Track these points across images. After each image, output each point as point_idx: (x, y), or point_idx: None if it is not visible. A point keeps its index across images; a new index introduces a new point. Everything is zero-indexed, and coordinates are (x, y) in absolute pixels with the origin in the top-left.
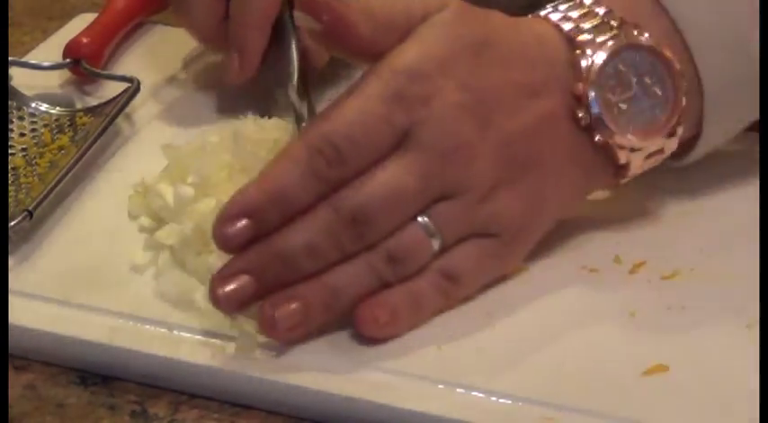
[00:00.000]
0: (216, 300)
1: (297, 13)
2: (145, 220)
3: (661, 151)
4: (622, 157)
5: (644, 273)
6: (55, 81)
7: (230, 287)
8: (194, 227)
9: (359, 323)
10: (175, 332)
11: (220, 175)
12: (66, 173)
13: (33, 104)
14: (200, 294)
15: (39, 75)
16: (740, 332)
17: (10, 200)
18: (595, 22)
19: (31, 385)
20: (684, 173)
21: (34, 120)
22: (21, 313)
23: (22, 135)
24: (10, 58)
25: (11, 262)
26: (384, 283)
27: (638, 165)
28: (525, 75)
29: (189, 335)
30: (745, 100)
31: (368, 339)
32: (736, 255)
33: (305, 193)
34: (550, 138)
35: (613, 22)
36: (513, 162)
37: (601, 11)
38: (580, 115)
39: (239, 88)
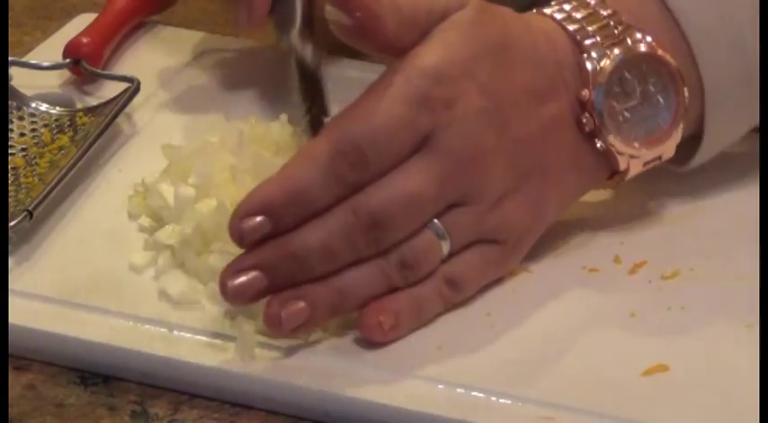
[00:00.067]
0: (225, 291)
1: (328, 8)
2: (145, 220)
3: (659, 158)
4: (622, 163)
5: (644, 273)
6: (55, 81)
7: (240, 280)
8: (195, 227)
9: (364, 328)
10: (175, 332)
11: (223, 176)
12: (66, 173)
13: (33, 104)
14: (201, 294)
15: (39, 75)
16: (740, 332)
17: (10, 200)
18: (600, 25)
19: (31, 385)
20: (684, 173)
21: (34, 120)
22: (21, 313)
23: (22, 135)
24: (10, 58)
25: (11, 262)
26: (391, 286)
27: (636, 170)
28: (536, 78)
29: (189, 335)
30: (746, 101)
31: (371, 343)
32: (736, 255)
33: (325, 195)
34: (555, 143)
35: (618, 26)
36: (520, 169)
37: (605, 12)
38: (584, 121)
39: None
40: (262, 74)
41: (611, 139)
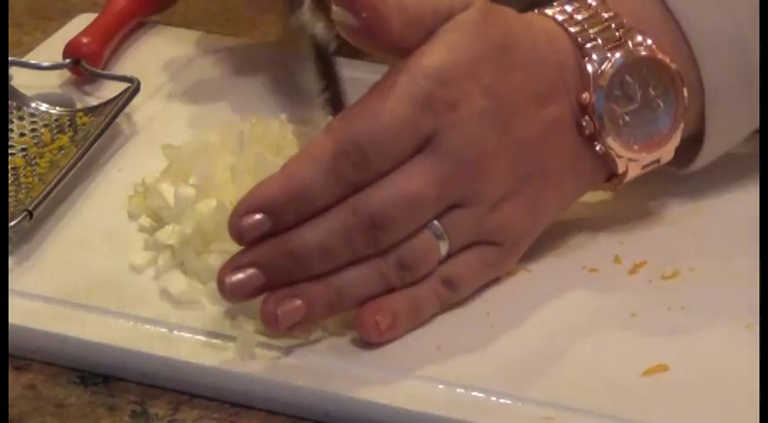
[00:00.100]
0: (222, 288)
1: (334, 8)
2: (145, 220)
3: (657, 161)
4: (621, 166)
5: (644, 273)
6: (55, 81)
7: (238, 277)
8: (195, 227)
9: (361, 328)
10: (175, 332)
11: (223, 176)
12: (66, 173)
13: (33, 104)
14: (201, 294)
15: (39, 75)
16: (740, 332)
17: (10, 200)
18: (601, 27)
19: (31, 385)
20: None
21: (34, 120)
22: (21, 313)
23: (22, 135)
24: (10, 58)
25: (11, 262)
26: (389, 286)
27: (635, 173)
28: (538, 80)
29: (189, 335)
30: (747, 103)
31: (368, 343)
32: (736, 255)
33: (325, 194)
34: (555, 146)
35: (619, 29)
36: (521, 171)
37: (607, 15)
38: (584, 124)
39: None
40: (262, 73)
41: (611, 142)
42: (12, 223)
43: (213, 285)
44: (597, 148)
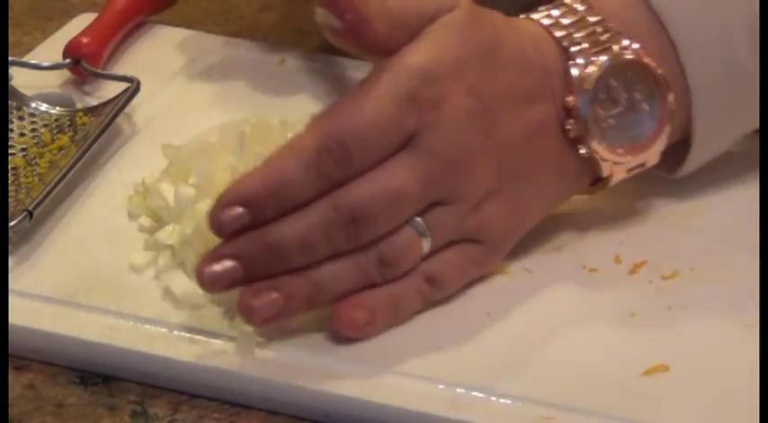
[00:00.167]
0: (200, 278)
1: (318, 10)
2: (145, 220)
3: (642, 165)
4: (605, 169)
5: (644, 273)
6: (55, 81)
7: (217, 268)
8: (195, 227)
9: (337, 322)
10: (175, 332)
11: (223, 176)
12: (66, 173)
13: (33, 104)
14: (201, 294)
15: (39, 75)
16: (740, 332)
17: (10, 200)
18: (587, 31)
19: (31, 385)
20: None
21: (34, 120)
22: (21, 313)
23: (22, 135)
24: (10, 58)
25: (11, 262)
26: (369, 282)
27: (620, 177)
28: (524, 82)
29: (189, 335)
30: (735, 107)
31: (345, 339)
32: (736, 255)
33: (306, 190)
34: (539, 148)
35: (605, 33)
36: (504, 171)
37: (593, 19)
38: (568, 127)
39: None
40: (262, 74)
41: (595, 145)
42: (12, 223)
43: None
44: (581, 151)
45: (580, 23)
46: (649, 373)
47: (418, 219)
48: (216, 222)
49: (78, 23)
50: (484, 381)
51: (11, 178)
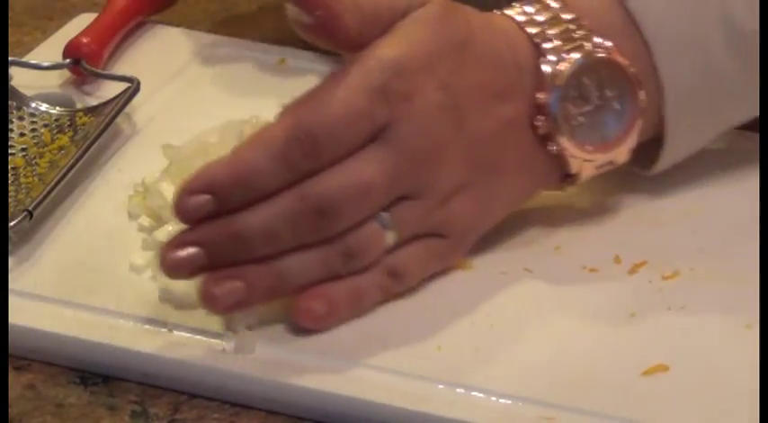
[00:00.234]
0: (163, 263)
1: (289, 6)
2: (145, 220)
3: (611, 162)
4: (574, 166)
5: (644, 273)
6: (55, 81)
7: (180, 254)
8: None
9: (295, 313)
10: (175, 332)
11: None
12: (66, 173)
13: (33, 104)
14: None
15: (39, 75)
16: (740, 332)
17: (10, 200)
18: (560, 29)
19: (31, 385)
20: (684, 173)
21: (34, 120)
22: (21, 313)
23: (22, 135)
24: (10, 58)
25: (11, 262)
26: (333, 273)
27: (588, 174)
28: (496, 78)
29: (189, 335)
30: (708, 105)
31: (303, 329)
32: (736, 255)
33: (274, 180)
34: (508, 144)
35: (578, 31)
36: (474, 167)
37: (567, 17)
38: (538, 124)
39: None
40: (262, 73)
41: (564, 142)
42: (12, 223)
43: None
44: (551, 148)
45: (554, 21)
46: (649, 373)
47: (384, 213)
48: (181, 209)
49: (78, 23)
50: (484, 381)
51: (11, 178)
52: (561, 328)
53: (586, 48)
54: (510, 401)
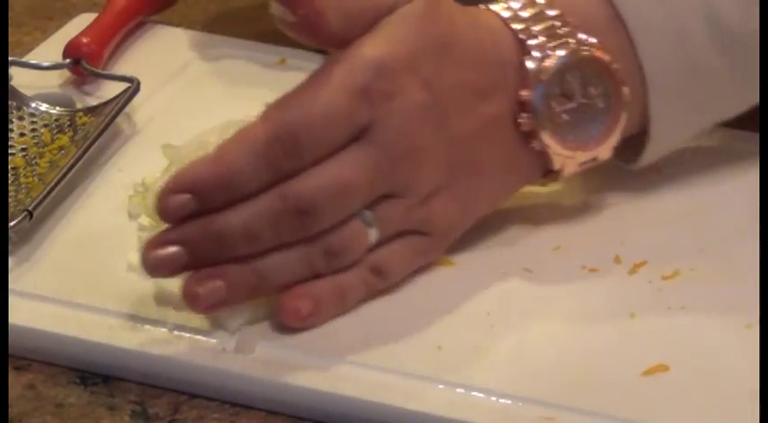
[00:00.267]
0: (145, 261)
1: (272, 4)
2: (145, 220)
3: (594, 159)
4: (557, 163)
5: (644, 273)
6: (55, 81)
7: (161, 253)
8: None
9: (282, 312)
10: (175, 332)
11: None
12: (66, 173)
13: (33, 104)
14: None
15: (39, 75)
16: (740, 332)
17: (10, 200)
18: (545, 25)
19: (31, 385)
20: (684, 173)
21: (34, 120)
22: (21, 313)
23: (22, 135)
24: (10, 58)
25: (11, 262)
26: (315, 272)
27: (571, 170)
28: (479, 76)
29: (189, 335)
30: (693, 100)
31: (290, 328)
32: (736, 255)
33: (255, 179)
34: (491, 142)
35: (563, 27)
36: (454, 166)
37: (552, 13)
38: (521, 121)
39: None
40: (262, 73)
41: (548, 139)
42: (12, 223)
43: None
44: (534, 145)
45: (539, 17)
46: (649, 373)
47: (367, 211)
48: (163, 208)
49: (78, 23)
50: (484, 381)
51: (11, 178)
52: (561, 327)
53: (571, 45)
54: (510, 401)
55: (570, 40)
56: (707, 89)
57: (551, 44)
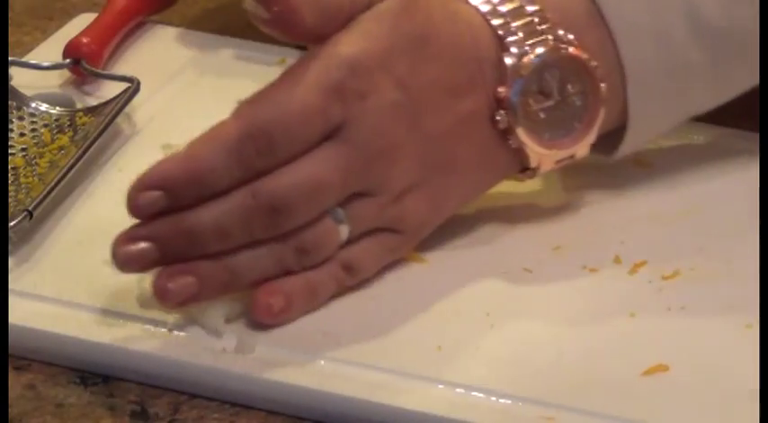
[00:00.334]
0: (114, 256)
1: (248, 0)
2: None
3: (572, 156)
4: (534, 160)
5: (644, 273)
6: (55, 81)
7: (131, 249)
8: None
9: (254, 309)
10: (175, 332)
11: None
12: (66, 173)
13: (33, 104)
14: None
15: (39, 75)
16: (740, 332)
17: (10, 200)
18: (524, 21)
19: (31, 385)
20: (684, 172)
21: (34, 120)
22: (21, 313)
23: (22, 135)
24: (10, 58)
25: (11, 262)
26: (286, 269)
27: (548, 167)
28: (456, 73)
29: (189, 335)
30: (672, 96)
31: (262, 325)
32: (736, 254)
33: (226, 177)
34: (467, 139)
35: (542, 24)
36: (428, 164)
37: (531, 8)
38: (498, 118)
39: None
40: (262, 73)
41: (524, 137)
42: (12, 223)
43: None
44: (510, 142)
45: (518, 12)
46: (649, 373)
47: (338, 208)
48: (133, 205)
49: (78, 23)
50: (484, 381)
51: (11, 178)
52: (561, 328)
53: (550, 41)
54: (510, 401)
55: (549, 37)
56: (686, 84)
57: (530, 41)
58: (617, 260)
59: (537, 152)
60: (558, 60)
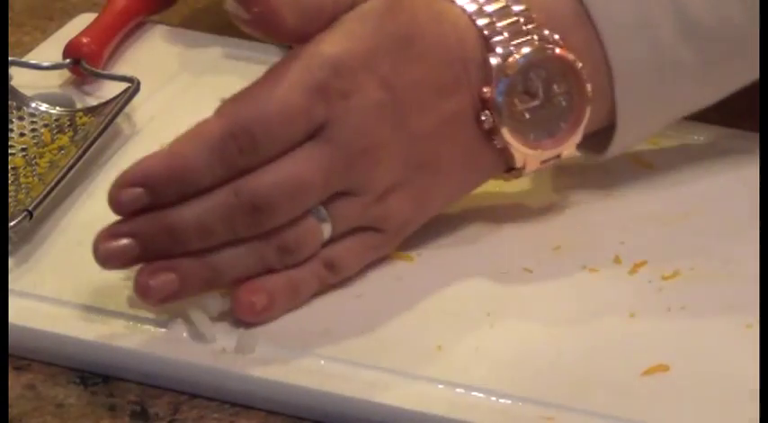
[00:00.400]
0: (96, 253)
1: (228, 1)
2: None
3: (558, 156)
4: (519, 160)
5: (644, 273)
6: (55, 81)
7: (113, 245)
8: None
9: (236, 307)
10: (175, 332)
11: None
12: (66, 173)
13: (33, 104)
14: (201, 295)
15: (39, 75)
16: (740, 332)
17: (10, 200)
18: (510, 21)
19: (31, 385)
20: (684, 173)
21: (34, 120)
22: (21, 313)
23: (22, 135)
24: (10, 58)
25: (11, 262)
26: (268, 267)
27: (533, 167)
28: (440, 74)
29: (189, 335)
30: (660, 96)
31: (244, 323)
32: (736, 255)
33: (208, 175)
34: (451, 139)
35: (527, 24)
36: (412, 164)
37: (517, 8)
38: (483, 118)
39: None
40: (261, 73)
41: (509, 137)
42: (12, 223)
43: None
44: (495, 142)
45: (503, 12)
46: (649, 373)
47: (321, 207)
48: (114, 201)
49: (78, 23)
50: (484, 381)
51: (11, 178)
52: (561, 328)
53: (535, 42)
54: (510, 401)
55: (535, 37)
56: (675, 83)
57: (515, 41)
58: (617, 260)
59: (522, 152)
60: (543, 60)
